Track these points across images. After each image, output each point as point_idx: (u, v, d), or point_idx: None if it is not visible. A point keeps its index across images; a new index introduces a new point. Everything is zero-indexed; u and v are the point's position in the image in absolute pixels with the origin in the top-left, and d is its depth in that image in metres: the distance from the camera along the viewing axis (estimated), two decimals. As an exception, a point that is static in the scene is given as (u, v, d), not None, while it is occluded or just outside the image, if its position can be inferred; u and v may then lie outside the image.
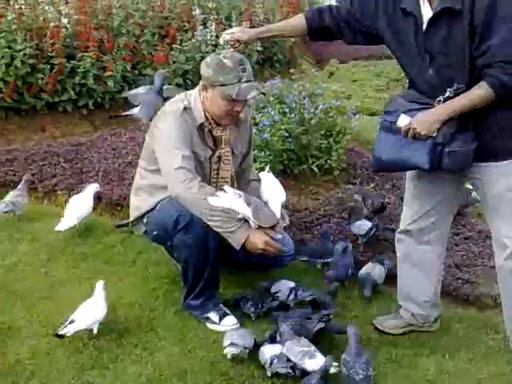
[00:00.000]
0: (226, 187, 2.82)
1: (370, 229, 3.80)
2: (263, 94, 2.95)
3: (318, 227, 4.02)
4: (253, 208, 2.76)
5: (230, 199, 2.73)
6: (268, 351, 2.68)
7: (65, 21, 5.76)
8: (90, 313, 2.77)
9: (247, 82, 2.81)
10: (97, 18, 6.24)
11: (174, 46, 6.54)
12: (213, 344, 2.87)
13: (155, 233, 3.00)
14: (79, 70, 5.65)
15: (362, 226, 3.81)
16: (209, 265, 2.89)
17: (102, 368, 2.67)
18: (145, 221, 3.05)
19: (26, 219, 3.87)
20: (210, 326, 2.98)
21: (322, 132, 4.66)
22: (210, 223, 2.76)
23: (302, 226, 4.04)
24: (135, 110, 4.73)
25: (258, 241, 2.77)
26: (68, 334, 2.70)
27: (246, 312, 3.07)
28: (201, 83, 2.93)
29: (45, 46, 5.57)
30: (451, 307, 3.37)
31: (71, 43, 5.83)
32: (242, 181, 3.22)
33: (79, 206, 3.65)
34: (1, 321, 2.91)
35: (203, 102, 2.91)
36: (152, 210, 2.98)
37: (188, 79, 6.51)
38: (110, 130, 5.37)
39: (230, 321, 2.98)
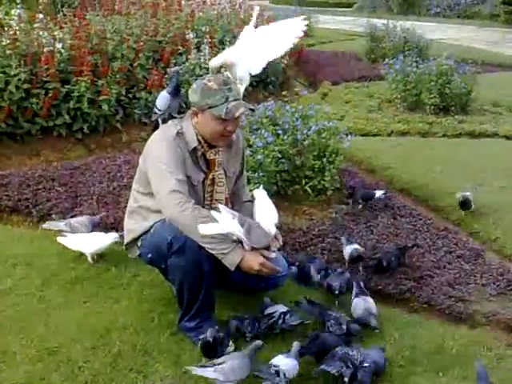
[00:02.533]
0: (221, 206, 2.85)
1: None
2: (252, 110, 2.97)
3: (312, 247, 4.05)
4: (245, 229, 2.79)
5: (222, 222, 2.76)
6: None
7: (59, 46, 5.84)
8: None
9: (235, 100, 2.87)
10: (91, 43, 6.33)
11: (168, 69, 6.62)
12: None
13: (149, 255, 3.03)
14: (74, 95, 5.73)
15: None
16: (204, 287, 2.91)
17: (97, 392, 2.68)
18: (139, 244, 3.07)
19: (21, 244, 3.88)
20: (205, 347, 2.99)
21: (315, 153, 4.71)
22: (203, 245, 2.79)
23: (296, 245, 4.06)
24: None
25: (253, 262, 2.79)
26: None
27: (243, 331, 3.06)
28: (191, 109, 2.99)
29: (39, 70, 5.65)
30: (444, 325, 3.39)
31: (65, 68, 5.91)
32: (237, 202, 3.26)
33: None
34: (-5, 346, 2.92)
35: (195, 127, 2.96)
36: (146, 232, 3.01)
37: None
38: (105, 154, 5.42)
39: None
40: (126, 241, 3.16)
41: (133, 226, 3.09)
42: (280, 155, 4.46)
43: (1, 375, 2.73)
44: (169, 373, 2.80)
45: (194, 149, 2.96)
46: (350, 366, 2.64)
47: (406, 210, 4.75)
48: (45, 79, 5.65)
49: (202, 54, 7.06)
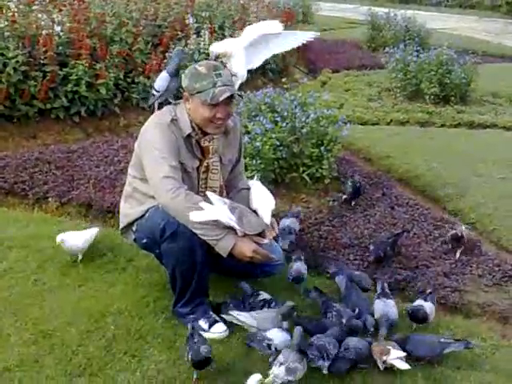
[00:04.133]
0: (210, 193, 2.82)
1: None
2: (240, 96, 2.95)
3: (309, 235, 4.05)
4: (237, 215, 2.77)
5: (213, 208, 2.74)
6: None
7: (58, 28, 5.79)
8: None
9: (223, 86, 2.84)
10: (90, 26, 6.28)
11: (166, 54, 6.58)
12: (202, 351, 2.87)
13: (144, 241, 3.02)
14: (72, 78, 5.69)
15: None
16: (196, 272, 2.90)
17: (91, 375, 2.67)
18: (134, 228, 3.06)
19: (17, 226, 3.87)
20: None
21: (313, 141, 4.68)
22: (196, 231, 2.77)
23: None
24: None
25: (246, 248, 2.78)
26: None
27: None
28: (183, 95, 2.96)
29: (37, 53, 5.60)
30: (439, 315, 3.38)
31: (64, 51, 5.87)
32: (233, 190, 3.25)
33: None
34: (-12, 328, 2.92)
35: (188, 113, 2.93)
36: (141, 217, 3.00)
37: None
38: (102, 138, 5.39)
39: (220, 328, 2.99)
40: (121, 225, 3.15)
41: (128, 210, 3.08)
42: (278, 142, 4.43)
43: (-6, 356, 2.72)
44: (163, 357, 2.80)
45: (188, 135, 2.94)
46: (325, 356, 2.67)
47: (404, 200, 4.74)
48: (43, 62, 5.61)
49: (201, 39, 7.02)
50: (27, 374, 2.64)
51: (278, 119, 4.63)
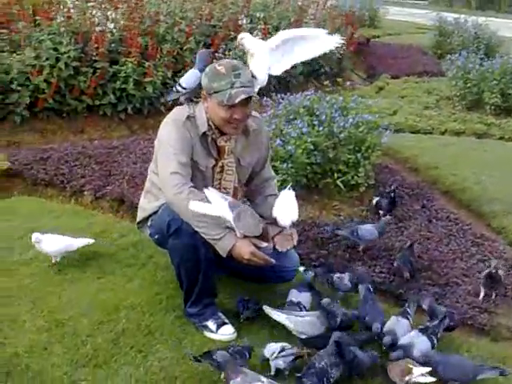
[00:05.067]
0: (208, 191, 2.76)
1: None
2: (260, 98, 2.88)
3: (335, 244, 3.96)
4: (236, 214, 2.71)
5: (212, 202, 2.70)
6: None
7: (111, 26, 5.92)
8: None
9: (241, 87, 2.79)
10: (144, 25, 6.39)
11: (216, 54, 6.61)
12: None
13: (156, 236, 3.03)
14: (120, 75, 5.82)
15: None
16: (201, 271, 2.89)
17: (95, 367, 2.70)
18: (149, 223, 3.08)
19: (50, 217, 3.98)
20: (207, 334, 2.98)
21: (351, 147, 4.58)
22: (196, 229, 2.76)
23: (319, 241, 3.98)
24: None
25: (244, 250, 2.73)
26: None
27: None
28: (202, 93, 2.95)
29: (89, 49, 5.75)
30: (464, 335, 3.24)
31: (116, 48, 6.00)
32: (259, 196, 3.20)
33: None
34: (6, 312, 3.00)
35: (206, 112, 2.92)
36: (155, 212, 3.01)
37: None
38: (145, 135, 5.47)
39: (227, 330, 2.96)
40: (137, 219, 3.18)
41: (145, 205, 3.11)
42: (312, 147, 4.36)
43: (7, 341, 2.80)
44: (168, 355, 2.80)
45: (204, 134, 2.93)
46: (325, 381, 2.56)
47: (444, 213, 4.57)
48: (94, 58, 5.76)
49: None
50: (35, 360, 2.69)
51: (316, 123, 4.56)
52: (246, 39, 3.09)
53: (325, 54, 6.12)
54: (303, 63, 7.68)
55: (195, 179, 2.91)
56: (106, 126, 5.77)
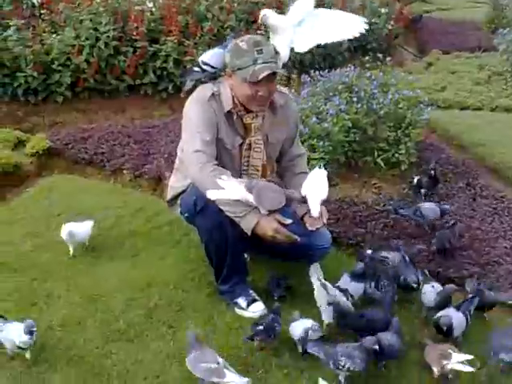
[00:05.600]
0: (222, 180, 2.69)
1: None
2: (287, 74, 2.81)
3: (373, 222, 3.87)
4: (255, 193, 2.66)
5: (229, 189, 2.67)
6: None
7: (150, 5, 5.92)
8: None
9: (264, 63, 2.73)
10: (184, 3, 6.34)
11: (259, 32, 6.52)
12: (237, 329, 2.86)
13: (186, 214, 3.02)
14: (161, 54, 5.80)
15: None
16: (229, 248, 2.87)
17: (127, 341, 2.76)
18: (179, 202, 3.07)
19: (89, 195, 4.04)
20: (237, 311, 2.98)
21: (391, 124, 4.46)
22: (220, 206, 2.73)
23: (357, 219, 3.90)
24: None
25: (268, 227, 2.69)
26: None
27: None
28: (226, 71, 2.90)
29: (129, 29, 5.77)
30: (502, 316, 3.13)
31: (156, 27, 5.98)
32: (288, 173, 3.15)
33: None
34: (43, 288, 3.08)
35: (231, 89, 2.88)
36: (185, 191, 3.00)
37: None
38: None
39: (258, 307, 2.95)
40: (168, 197, 3.17)
41: (175, 183, 3.11)
42: (350, 124, 4.26)
43: (41, 315, 2.87)
44: (199, 331, 2.81)
45: (229, 111, 2.88)
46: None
47: (489, 191, 4.41)
48: (134, 37, 5.77)
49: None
50: (68, 334, 2.78)
51: (355, 100, 4.45)
52: (268, 15, 3.05)
53: (372, 29, 6.02)
54: (350, 39, 7.52)
55: (222, 158, 2.89)
56: (147, 106, 5.78)
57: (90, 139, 4.78)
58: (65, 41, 5.44)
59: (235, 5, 6.70)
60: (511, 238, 3.79)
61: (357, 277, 3.06)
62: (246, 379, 2.40)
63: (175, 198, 3.12)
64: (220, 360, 2.46)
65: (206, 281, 3.17)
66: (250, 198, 2.68)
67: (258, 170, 2.99)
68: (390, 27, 8.36)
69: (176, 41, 5.82)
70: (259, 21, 3.12)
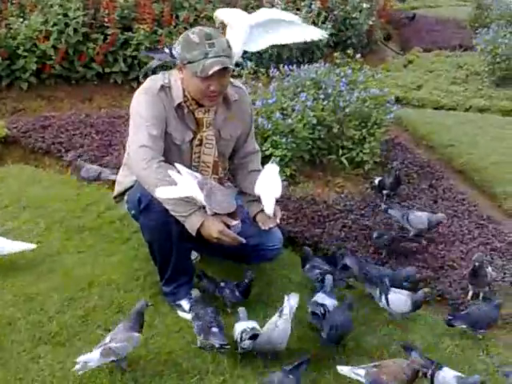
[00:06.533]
0: (179, 166, 2.61)
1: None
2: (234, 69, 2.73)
3: (332, 223, 3.80)
4: (206, 192, 2.57)
5: (180, 184, 2.56)
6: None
7: (124, -10, 5.78)
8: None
9: (216, 57, 2.62)
10: (159, -10, 6.21)
11: (233, 23, 6.40)
12: (177, 332, 2.79)
13: (133, 212, 2.91)
14: (132, 42, 5.67)
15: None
16: (174, 248, 2.78)
17: (57, 345, 2.65)
18: (125, 198, 2.96)
19: (41, 187, 3.93)
20: (180, 313, 2.90)
21: (357, 122, 4.38)
22: (165, 205, 2.63)
23: (316, 219, 3.83)
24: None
25: (213, 228, 2.60)
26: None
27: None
28: (177, 64, 2.79)
29: (100, 16, 5.64)
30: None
31: (129, 14, 5.85)
32: (242, 171, 3.05)
33: None
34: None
35: (182, 82, 2.77)
36: (131, 187, 2.89)
37: (245, 58, 6.33)
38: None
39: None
40: (114, 193, 3.06)
41: (122, 178, 2.99)
42: (315, 121, 4.17)
43: (-30, 315, 2.76)
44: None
45: (180, 105, 2.77)
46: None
47: (451, 193, 4.38)
48: (105, 24, 5.63)
49: (276, 7, 6.75)
50: None
51: (322, 97, 4.35)
52: (220, 11, 2.97)
53: (352, 24, 5.92)
54: (331, 34, 7.39)
55: (170, 154, 2.77)
56: (116, 95, 5.65)
57: (49, 128, 4.66)
58: (31, 25, 5.30)
59: (213, -6, 6.57)
60: (468, 242, 3.75)
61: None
62: None
63: (122, 193, 3.00)
64: None
65: (152, 281, 3.07)
66: (200, 196, 2.58)
67: (208, 167, 2.88)
68: (370, 23, 8.23)
69: (149, 29, 5.70)
70: (214, 17, 3.03)
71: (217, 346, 2.57)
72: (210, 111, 2.83)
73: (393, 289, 2.98)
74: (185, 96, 2.76)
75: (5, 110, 5.13)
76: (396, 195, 4.18)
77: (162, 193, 2.56)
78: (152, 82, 2.80)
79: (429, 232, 3.72)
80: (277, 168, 2.92)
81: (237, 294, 2.91)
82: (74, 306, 2.88)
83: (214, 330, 2.62)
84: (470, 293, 3.27)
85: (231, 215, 2.65)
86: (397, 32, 10.32)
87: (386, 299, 2.95)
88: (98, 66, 5.61)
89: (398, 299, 2.95)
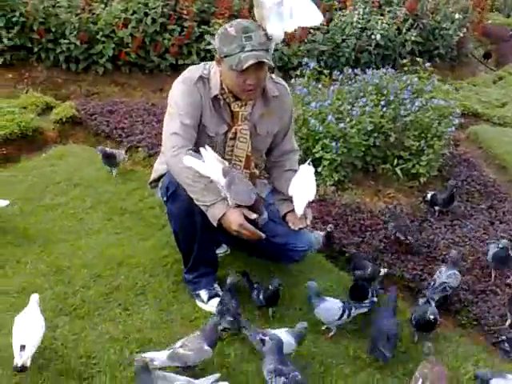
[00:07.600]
0: (208, 150, 2.60)
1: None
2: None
3: (374, 232, 3.70)
4: (228, 180, 2.55)
5: (207, 162, 2.56)
6: None
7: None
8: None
9: (252, 50, 2.60)
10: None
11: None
12: (191, 322, 2.81)
13: (164, 198, 2.94)
14: (207, 36, 5.75)
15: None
16: (197, 240, 2.80)
17: (77, 318, 2.75)
18: (160, 185, 3.01)
19: (94, 168, 4.08)
20: (198, 303, 2.92)
21: (416, 133, 4.22)
22: (190, 194, 2.64)
23: (357, 227, 3.74)
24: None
25: (233, 221, 2.58)
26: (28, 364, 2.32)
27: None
28: (216, 56, 2.80)
29: (180, 8, 5.76)
30: (479, 350, 2.92)
31: (209, 8, 5.95)
32: (277, 169, 3.02)
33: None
34: (14, 253, 3.14)
35: (220, 75, 2.77)
36: (165, 174, 2.93)
37: (322, 60, 6.28)
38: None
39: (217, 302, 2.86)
40: (150, 179, 3.10)
41: (157, 165, 3.03)
42: (369, 127, 4.06)
43: (2, 279, 2.92)
44: (152, 317, 2.79)
45: (216, 96, 2.78)
46: None
47: (511, 216, 4.11)
48: (184, 17, 5.76)
49: (356, 12, 6.66)
50: (21, 301, 2.72)
51: (383, 103, 4.24)
52: None
53: (442, 35, 5.69)
54: (415, 42, 7.15)
55: (202, 145, 2.77)
56: (186, 87, 5.76)
57: (115, 113, 4.83)
58: (112, 12, 5.51)
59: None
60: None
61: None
62: None
63: (157, 180, 3.05)
64: None
65: (177, 268, 3.11)
66: (222, 182, 2.58)
67: (241, 161, 2.87)
68: (461, 34, 7.89)
69: (224, 23, 5.76)
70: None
71: (220, 328, 2.61)
72: (247, 105, 2.82)
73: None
74: (222, 88, 2.77)
75: (79, 92, 5.36)
76: (449, 212, 4.00)
77: (189, 161, 2.56)
78: (191, 72, 2.83)
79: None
80: (312, 169, 2.87)
81: (260, 297, 2.87)
82: (100, 282, 2.98)
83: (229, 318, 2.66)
84: (509, 321, 3.09)
85: (253, 209, 2.62)
86: (495, 47, 9.88)
87: None
88: (172, 58, 5.74)
89: None
